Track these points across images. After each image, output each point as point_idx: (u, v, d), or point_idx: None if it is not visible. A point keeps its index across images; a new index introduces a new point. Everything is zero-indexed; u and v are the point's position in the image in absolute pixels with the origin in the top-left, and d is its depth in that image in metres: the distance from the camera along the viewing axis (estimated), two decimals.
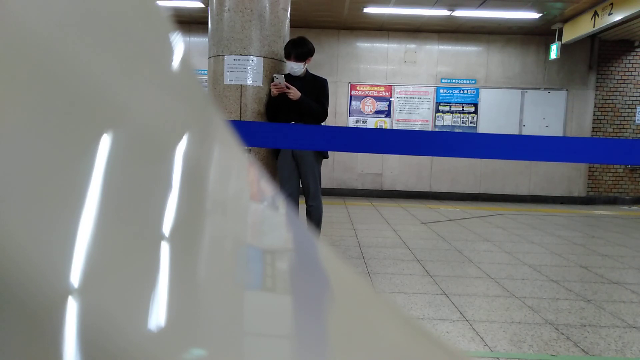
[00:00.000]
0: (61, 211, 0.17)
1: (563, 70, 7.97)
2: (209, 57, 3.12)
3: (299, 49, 3.04)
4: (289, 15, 3.20)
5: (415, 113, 8.04)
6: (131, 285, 0.19)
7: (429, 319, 2.23)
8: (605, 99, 8.02)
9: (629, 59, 7.97)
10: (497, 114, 8.00)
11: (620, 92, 8.01)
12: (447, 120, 8.02)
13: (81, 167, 0.19)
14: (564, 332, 2.12)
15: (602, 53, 7.93)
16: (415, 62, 8.03)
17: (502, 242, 4.24)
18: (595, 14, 6.38)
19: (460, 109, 8.03)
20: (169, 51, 0.31)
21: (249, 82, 2.99)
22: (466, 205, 7.33)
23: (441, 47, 8.03)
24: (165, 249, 0.22)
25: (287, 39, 3.15)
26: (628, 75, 7.99)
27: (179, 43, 0.31)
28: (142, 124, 0.24)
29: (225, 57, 2.99)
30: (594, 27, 6.46)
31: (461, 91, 8.02)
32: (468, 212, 6.43)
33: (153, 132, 0.25)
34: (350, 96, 8.04)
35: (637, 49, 7.94)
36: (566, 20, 7.10)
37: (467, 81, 8.02)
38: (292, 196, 3.18)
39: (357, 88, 8.05)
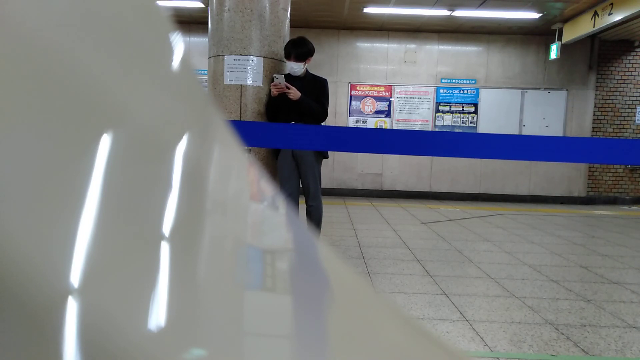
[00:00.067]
0: (61, 211, 0.17)
1: (563, 70, 7.97)
2: (209, 57, 3.12)
3: (299, 49, 3.04)
4: (289, 15, 3.20)
5: (415, 113, 8.04)
6: (131, 285, 0.19)
7: (429, 319, 2.23)
8: (605, 99, 8.02)
9: (629, 59, 7.97)
10: (497, 114, 8.00)
11: (620, 92, 8.01)
12: (447, 120, 8.02)
13: (81, 167, 0.19)
14: (564, 332, 2.12)
15: (602, 53, 7.93)
16: (415, 62, 8.03)
17: (502, 242, 4.24)
18: (595, 14, 6.38)
19: (460, 109, 8.03)
20: (169, 51, 0.31)
21: (249, 82, 2.99)
22: (466, 205, 7.33)
23: (441, 47, 8.03)
24: (165, 249, 0.22)
25: (287, 39, 3.15)
26: (628, 75, 7.99)
27: (179, 43, 0.31)
28: (142, 124, 0.24)
29: (225, 57, 2.99)
30: (594, 27, 6.46)
31: (461, 91, 8.02)
32: (468, 212, 6.43)
33: (153, 132, 0.25)
34: (350, 96, 8.04)
35: (637, 49, 7.94)
36: (566, 20, 7.10)
37: (467, 81, 8.02)
38: (292, 196, 3.18)
39: (357, 88, 8.05)
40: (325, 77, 3.35)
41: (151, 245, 0.21)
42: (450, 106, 8.03)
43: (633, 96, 8.01)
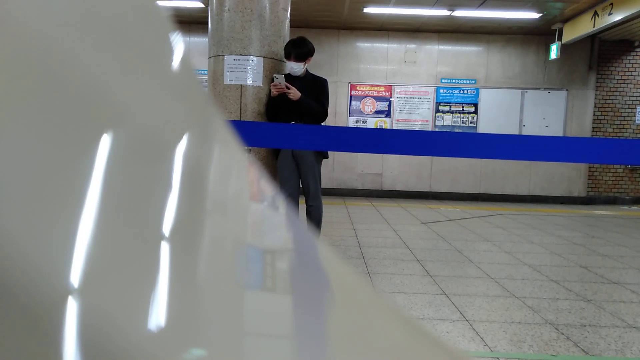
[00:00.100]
0: (61, 211, 0.17)
1: (563, 70, 7.97)
2: (209, 57, 3.12)
3: (299, 49, 3.04)
4: (289, 15, 3.20)
5: (415, 113, 8.04)
6: (131, 285, 0.19)
7: (429, 319, 2.23)
8: (605, 99, 8.02)
9: (629, 59, 7.97)
10: (497, 114, 8.00)
11: (620, 92, 8.01)
12: (447, 120, 8.02)
13: (81, 167, 0.19)
14: (564, 332, 2.12)
15: (602, 53, 7.94)
16: (415, 62, 8.03)
17: (502, 242, 4.24)
18: (595, 14, 6.38)
19: (460, 109, 8.03)
20: (169, 51, 0.31)
21: (249, 82, 3.00)
22: (466, 205, 7.34)
23: (441, 47, 8.03)
24: (165, 249, 0.22)
25: (287, 39, 3.15)
26: (628, 75, 7.99)
27: (179, 43, 0.31)
28: (142, 124, 0.24)
29: (225, 57, 2.99)
30: (594, 27, 6.46)
31: (461, 91, 8.02)
32: (468, 212, 6.43)
33: (153, 132, 0.25)
34: (350, 96, 8.04)
35: (637, 49, 7.94)
36: (566, 20, 7.10)
37: (467, 81, 8.02)
38: (292, 196, 3.18)
39: (357, 88, 8.05)
40: (325, 77, 3.35)
41: (151, 245, 0.21)
42: (450, 106, 8.03)
43: (633, 96, 8.01)
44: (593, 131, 8.05)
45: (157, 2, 0.31)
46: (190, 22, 7.76)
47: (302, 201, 3.32)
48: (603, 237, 4.75)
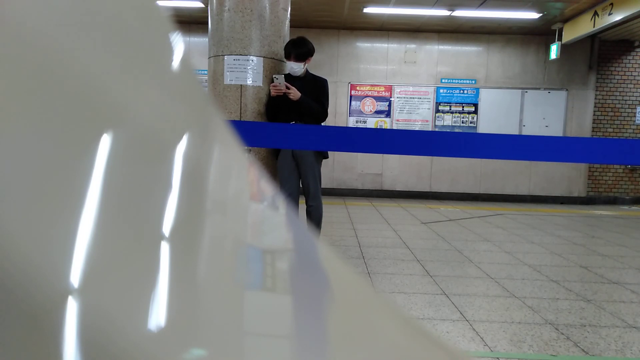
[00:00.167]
0: (61, 211, 0.17)
1: (563, 70, 7.97)
2: (209, 57, 3.12)
3: (299, 49, 3.04)
4: (289, 15, 3.20)
5: (415, 113, 8.04)
6: (131, 285, 0.19)
7: (429, 319, 2.23)
8: (605, 99, 8.02)
9: (629, 59, 7.97)
10: (497, 114, 8.00)
11: (620, 92, 8.01)
12: (447, 120, 8.02)
13: (81, 167, 0.19)
14: (564, 332, 2.12)
15: (602, 53, 7.94)
16: (415, 62, 8.03)
17: (502, 242, 4.24)
18: (595, 14, 6.38)
19: (460, 109, 8.03)
20: (169, 51, 0.31)
21: (249, 82, 3.00)
22: (466, 205, 7.34)
23: (441, 47, 8.03)
24: (165, 249, 0.22)
25: (287, 39, 3.15)
26: (628, 75, 7.99)
27: (179, 43, 0.31)
28: (142, 124, 0.24)
29: (225, 57, 2.99)
30: (594, 27, 6.46)
31: (461, 91, 8.02)
32: (468, 212, 6.43)
33: (153, 132, 0.25)
34: (350, 96, 8.04)
35: (637, 49, 7.94)
36: (566, 20, 7.10)
37: (467, 81, 8.02)
38: (292, 196, 3.18)
39: (357, 88, 8.05)
40: (325, 77, 3.35)
41: (151, 245, 0.21)
42: (450, 106, 8.03)
43: (633, 96, 8.01)
44: (593, 131, 8.05)
45: (157, 2, 0.31)
46: (190, 22, 7.76)
47: (302, 201, 3.32)
48: (603, 237, 4.75)
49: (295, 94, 2.98)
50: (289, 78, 3.05)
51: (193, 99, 0.32)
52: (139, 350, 0.17)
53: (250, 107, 3.02)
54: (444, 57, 8.03)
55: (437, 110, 8.03)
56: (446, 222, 5.37)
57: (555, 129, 8.01)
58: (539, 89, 8.00)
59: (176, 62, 0.31)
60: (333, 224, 4.92)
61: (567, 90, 8.00)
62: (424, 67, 8.04)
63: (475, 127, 8.02)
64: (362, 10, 6.91)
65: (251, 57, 2.98)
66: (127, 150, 0.22)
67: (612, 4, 6.03)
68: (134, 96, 0.24)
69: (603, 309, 2.47)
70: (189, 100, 0.32)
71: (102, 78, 0.22)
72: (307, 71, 3.15)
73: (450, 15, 6.94)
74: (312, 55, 3.13)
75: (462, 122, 8.03)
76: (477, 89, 8.01)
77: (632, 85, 7.99)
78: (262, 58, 3.01)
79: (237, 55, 2.97)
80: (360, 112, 8.05)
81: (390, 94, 8.03)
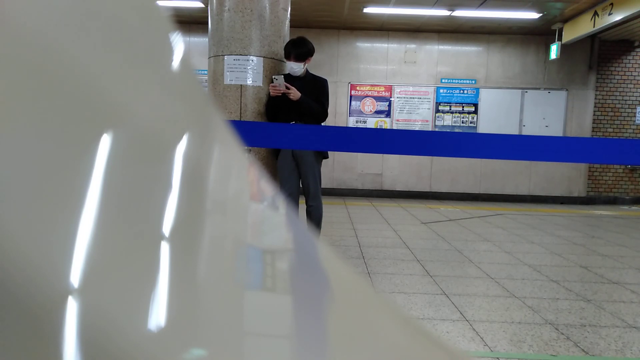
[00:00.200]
0: (61, 211, 0.17)
1: (563, 70, 7.97)
2: (209, 57, 3.12)
3: (299, 49, 3.04)
4: (289, 15, 3.20)
5: (415, 113, 8.04)
6: (131, 285, 0.19)
7: (429, 319, 2.23)
8: (605, 99, 8.02)
9: (629, 59, 7.97)
10: (497, 114, 8.00)
11: (620, 92, 8.01)
12: (447, 120, 8.02)
13: (81, 167, 0.19)
14: (564, 332, 2.12)
15: (602, 53, 7.94)
16: (415, 62, 8.03)
17: (502, 242, 4.24)
18: (595, 14, 6.38)
19: (460, 109, 8.03)
20: (169, 51, 0.31)
21: (249, 82, 3.00)
22: (466, 205, 7.34)
23: (441, 47, 8.03)
24: (165, 249, 0.22)
25: (287, 39, 3.15)
26: (628, 75, 7.99)
27: (179, 43, 0.31)
28: (142, 124, 0.24)
29: (225, 57, 2.99)
30: (594, 27, 6.46)
31: (461, 91, 8.02)
32: (468, 212, 6.43)
33: (153, 132, 0.25)
34: (350, 96, 8.04)
35: (637, 49, 7.94)
36: (566, 20, 7.10)
37: (467, 81, 8.02)
38: (292, 196, 3.18)
39: (357, 88, 8.05)
40: (325, 77, 3.35)
41: (151, 245, 0.21)
42: (450, 106, 8.03)
43: (633, 96, 8.01)
44: (593, 131, 8.05)
45: (157, 2, 0.31)
46: (190, 22, 7.76)
47: (302, 201, 3.32)
48: (603, 237, 4.75)
49: (295, 94, 2.98)
50: (289, 78, 3.05)
51: (193, 99, 0.32)
52: (139, 350, 0.17)
53: (250, 107, 3.02)
54: (444, 57, 8.03)
55: (437, 110, 8.03)
56: (446, 222, 5.37)
57: (555, 129, 8.01)
58: (539, 89, 8.00)
59: (176, 62, 0.31)
60: (333, 224, 4.92)
61: (567, 90, 8.00)
62: (424, 67, 8.04)
63: (475, 127, 8.02)
64: (362, 10, 6.91)
65: (251, 57, 2.98)
66: (127, 150, 0.22)
67: (612, 4, 6.03)
68: (134, 96, 0.24)
69: (603, 309, 2.47)
70: (189, 100, 0.32)
71: (102, 78, 0.22)
72: (307, 71, 3.15)
73: (450, 15, 6.94)
74: (312, 55, 3.13)
75: (462, 122, 8.03)
76: (477, 89, 8.01)
77: (632, 85, 8.00)
78: (262, 58, 3.01)
79: (237, 55, 2.97)
80: (360, 112, 8.05)
81: (390, 94, 8.03)
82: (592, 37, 7.66)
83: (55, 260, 0.16)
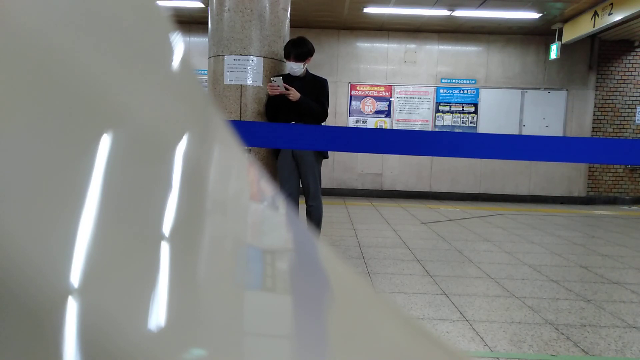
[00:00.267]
0: (61, 211, 0.17)
1: (563, 70, 7.97)
2: (209, 57, 3.12)
3: (299, 49, 3.04)
4: (289, 15, 3.20)
5: (415, 113, 8.04)
6: (131, 285, 0.19)
7: (429, 319, 2.23)
8: (605, 99, 8.02)
9: (629, 59, 7.97)
10: (497, 114, 8.00)
11: (620, 92, 8.01)
12: (447, 120, 8.02)
13: (81, 168, 0.19)
14: (564, 332, 2.12)
15: (602, 53, 7.93)
16: (415, 62, 8.03)
17: (502, 242, 4.24)
18: (595, 14, 6.38)
19: (460, 109, 8.03)
20: (169, 51, 0.31)
21: (249, 82, 3.00)
22: (466, 205, 7.34)
23: (441, 47, 8.03)
24: (165, 249, 0.22)
25: (287, 39, 3.15)
26: (628, 75, 7.99)
27: (179, 43, 0.31)
28: (142, 124, 0.24)
29: (225, 57, 2.99)
30: (594, 27, 6.46)
31: (461, 91, 8.02)
32: (468, 212, 6.43)
33: (153, 132, 0.25)
34: (350, 96, 8.04)
35: (637, 49, 7.94)
36: (566, 20, 7.10)
37: (467, 81, 8.02)
38: (292, 196, 3.18)
39: (357, 88, 8.05)
40: (325, 77, 3.35)
41: (151, 245, 0.21)
42: (450, 106, 8.03)
43: (633, 96, 8.01)
44: (593, 131, 8.05)
45: (157, 2, 0.31)
46: (190, 22, 7.76)
47: (302, 201, 3.32)
48: (603, 237, 4.75)
49: (294, 94, 2.98)
50: (289, 78, 3.05)
51: (193, 99, 0.32)
52: (139, 350, 0.17)
53: (250, 107, 3.02)
54: (444, 57, 8.03)
55: (437, 110, 8.03)
56: (446, 222, 5.37)
57: (555, 129, 8.01)
58: (539, 89, 8.00)
59: (176, 62, 0.31)
60: (333, 224, 4.92)
61: (567, 90, 8.00)
62: (424, 67, 8.04)
63: (475, 127, 8.02)
64: (362, 10, 6.91)
65: (251, 57, 2.98)
66: (127, 150, 0.22)
67: (612, 4, 6.03)
68: (134, 96, 0.24)
69: (603, 309, 2.47)
70: (189, 100, 0.32)
71: (102, 78, 0.22)
72: (307, 71, 3.15)
73: (450, 15, 6.94)
74: (311, 55, 3.13)
75: (462, 122, 8.03)
76: (477, 89, 8.01)
77: (632, 85, 7.99)
78: (262, 58, 3.01)
79: (237, 55, 2.97)
80: (360, 112, 8.05)
81: (390, 94, 8.03)
82: (592, 37, 7.66)
83: (56, 260, 0.16)
